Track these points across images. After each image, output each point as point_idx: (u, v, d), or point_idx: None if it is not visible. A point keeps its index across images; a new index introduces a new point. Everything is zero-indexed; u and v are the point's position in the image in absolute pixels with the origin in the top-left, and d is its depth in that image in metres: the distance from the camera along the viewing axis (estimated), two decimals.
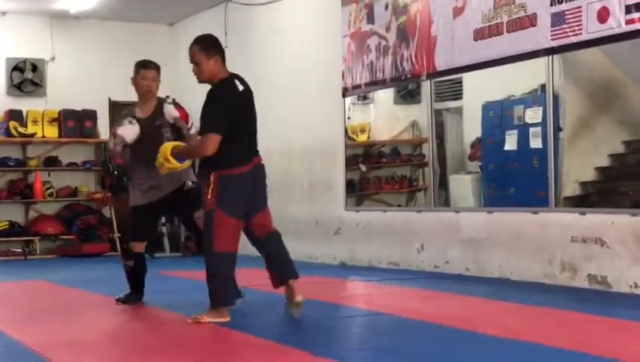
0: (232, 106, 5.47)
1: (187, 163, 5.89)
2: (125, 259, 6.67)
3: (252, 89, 5.74)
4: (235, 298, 5.94)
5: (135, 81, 6.52)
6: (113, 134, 6.50)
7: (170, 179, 6.34)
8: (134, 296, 6.66)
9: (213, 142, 5.36)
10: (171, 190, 6.43)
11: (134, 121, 6.36)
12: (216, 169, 5.46)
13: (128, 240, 6.69)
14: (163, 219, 11.91)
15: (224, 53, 5.62)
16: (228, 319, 5.50)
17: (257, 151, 5.67)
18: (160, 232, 12.06)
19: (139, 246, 6.62)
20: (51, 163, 13.05)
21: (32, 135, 12.86)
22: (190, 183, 6.46)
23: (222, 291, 5.51)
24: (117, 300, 6.66)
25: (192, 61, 5.56)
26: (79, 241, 12.56)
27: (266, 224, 5.70)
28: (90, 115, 13.21)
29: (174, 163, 5.73)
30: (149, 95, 6.51)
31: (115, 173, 12.51)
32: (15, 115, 12.85)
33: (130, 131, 6.35)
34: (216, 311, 5.51)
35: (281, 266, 5.67)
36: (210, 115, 5.42)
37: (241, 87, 5.55)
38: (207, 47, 5.51)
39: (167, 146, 5.77)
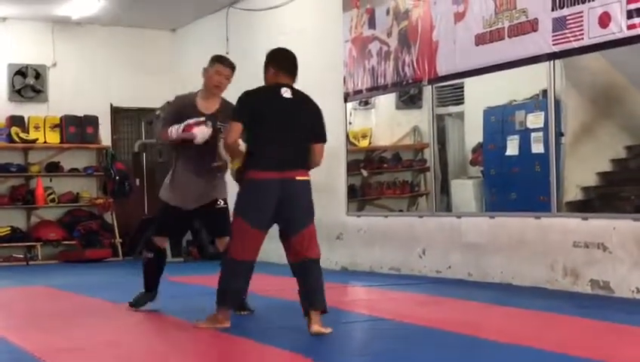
0: (261, 104, 5.35)
1: (236, 163, 5.54)
2: (146, 250, 6.52)
3: None
4: (237, 308, 5.90)
5: (207, 73, 6.24)
6: (184, 127, 6.03)
7: (203, 192, 6.20)
8: (146, 295, 6.51)
9: (234, 128, 5.31)
10: (202, 203, 6.25)
11: (210, 124, 6.04)
12: (244, 171, 5.36)
13: (152, 234, 6.52)
14: None
15: (284, 65, 5.51)
16: (227, 325, 5.45)
17: (296, 165, 5.33)
18: None
19: (161, 241, 6.44)
20: (53, 169, 13.06)
21: (34, 141, 12.88)
22: (221, 203, 6.28)
23: (224, 291, 5.41)
24: (129, 304, 6.55)
25: None
26: (81, 247, 12.57)
27: (300, 250, 5.31)
28: (92, 121, 13.23)
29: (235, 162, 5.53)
30: (217, 91, 6.25)
31: (117, 178, 12.68)
32: (17, 120, 12.87)
33: (204, 133, 6.01)
34: (217, 316, 5.47)
35: (306, 294, 5.31)
36: (236, 106, 5.43)
37: (287, 95, 5.37)
38: (267, 57, 5.59)
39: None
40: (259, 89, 5.49)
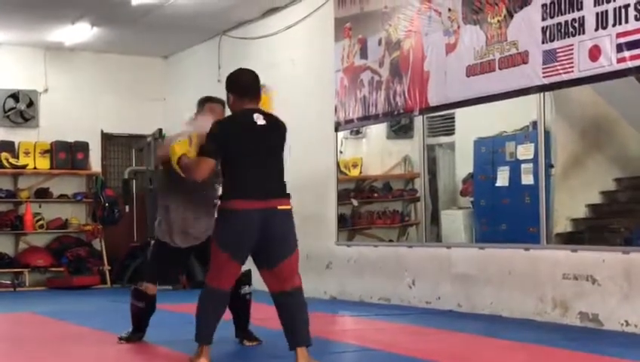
0: (236, 135, 5.19)
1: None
2: (136, 299, 6.18)
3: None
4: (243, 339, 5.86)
5: (198, 114, 6.18)
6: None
7: (202, 229, 5.95)
8: (137, 334, 6.27)
9: (205, 165, 5.18)
10: (201, 240, 5.99)
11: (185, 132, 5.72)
12: (221, 201, 5.27)
13: (144, 280, 6.19)
14: None
15: (245, 90, 5.34)
16: (205, 361, 5.17)
17: (277, 195, 5.18)
18: None
19: (153, 289, 6.15)
20: (42, 194, 13.02)
21: (24, 166, 12.85)
22: None
23: (201, 327, 5.20)
24: (120, 339, 6.26)
25: None
26: (69, 273, 12.49)
27: (281, 280, 5.13)
28: (82, 147, 13.21)
29: (177, 169, 5.47)
30: None
31: (107, 205, 12.64)
32: (7, 146, 12.85)
33: (207, 123, 5.58)
34: (201, 350, 5.20)
35: (291, 329, 5.12)
36: (208, 141, 5.24)
37: (260, 122, 5.22)
38: (225, 85, 5.43)
39: (178, 152, 5.45)
40: (231, 119, 5.35)
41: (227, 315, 5.57)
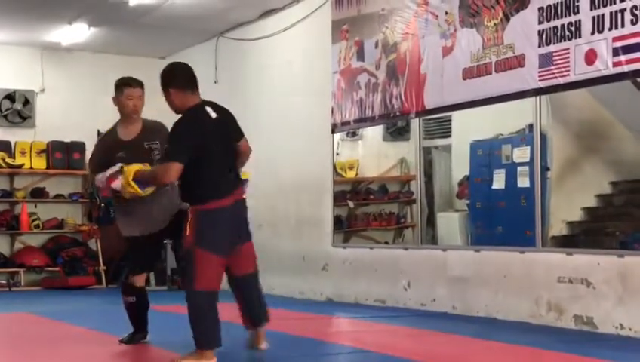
0: (200, 134, 5.14)
1: (150, 190, 5.50)
2: (126, 295, 6.13)
3: (241, 123, 5.56)
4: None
5: (119, 101, 6.05)
6: (106, 181, 5.71)
7: (164, 209, 5.85)
8: (138, 334, 6.19)
9: (173, 169, 5.06)
10: (168, 220, 5.90)
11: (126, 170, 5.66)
12: (192, 204, 5.18)
13: (128, 274, 6.15)
14: None
15: (187, 82, 5.29)
16: (214, 361, 5.19)
17: (237, 185, 5.33)
18: None
19: (140, 280, 6.11)
20: (38, 194, 13.01)
21: (20, 166, 12.83)
22: (187, 206, 5.81)
23: (208, 332, 5.14)
24: (120, 341, 6.18)
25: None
26: (64, 274, 12.48)
27: (244, 263, 5.39)
28: (79, 147, 13.19)
29: (136, 188, 5.40)
30: (135, 115, 6.03)
31: (102, 205, 12.61)
32: (3, 145, 12.84)
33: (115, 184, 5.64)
34: (202, 353, 5.18)
35: (253, 309, 5.43)
36: (174, 143, 5.15)
37: (214, 115, 5.23)
38: (162, 80, 5.35)
39: (131, 169, 5.44)
40: (191, 117, 5.20)
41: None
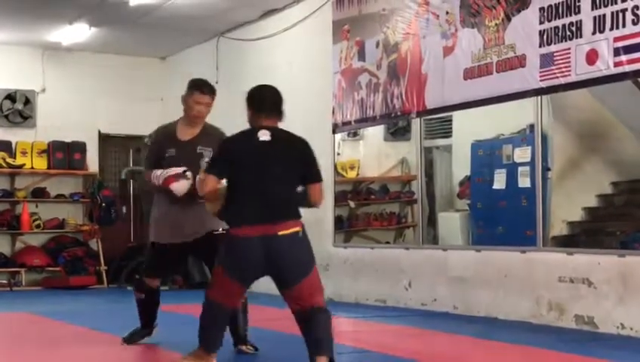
0: (236, 152, 4.95)
1: (215, 206, 5.12)
2: (136, 289, 6.19)
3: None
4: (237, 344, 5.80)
5: (186, 102, 5.94)
6: (164, 180, 5.71)
7: (193, 224, 5.78)
8: (142, 331, 6.17)
9: (207, 181, 4.95)
10: (195, 237, 5.82)
11: (190, 176, 5.67)
12: (227, 224, 5.04)
13: (142, 274, 6.16)
14: None
15: (260, 105, 5.07)
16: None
17: (281, 218, 4.77)
18: None
19: (152, 282, 6.08)
20: (39, 194, 13.01)
21: (21, 166, 12.84)
22: (220, 229, 5.69)
23: (208, 334, 5.02)
24: (123, 340, 6.16)
25: None
26: (65, 273, 12.49)
27: (301, 301, 4.83)
28: (80, 147, 13.20)
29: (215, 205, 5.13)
30: (198, 121, 5.94)
31: (103, 205, 12.63)
32: (4, 145, 12.84)
33: (183, 187, 5.67)
34: (201, 352, 5.07)
35: (313, 339, 4.80)
36: (213, 160, 5.16)
37: (264, 138, 4.91)
38: (246, 101, 5.16)
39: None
40: (235, 136, 5.09)
41: None
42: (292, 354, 5.64)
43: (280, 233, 4.72)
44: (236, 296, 5.06)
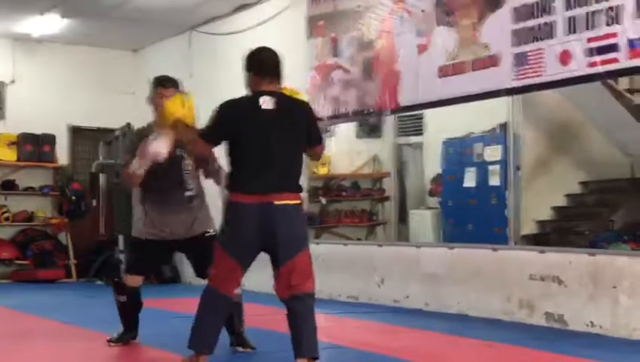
0: (236, 120, 4.78)
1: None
2: (117, 293, 5.93)
3: None
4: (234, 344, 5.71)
5: (153, 101, 5.78)
6: (137, 155, 5.50)
7: (181, 224, 5.70)
8: (127, 334, 5.98)
9: (199, 144, 4.94)
10: (181, 237, 5.74)
11: (162, 136, 5.40)
12: (228, 191, 4.86)
13: (124, 271, 6.04)
14: (121, 246, 11.79)
15: (261, 69, 4.91)
16: None
17: (283, 189, 4.71)
18: (117, 259, 11.92)
19: (133, 280, 5.87)
20: (8, 187, 12.87)
21: None
22: (211, 231, 5.70)
23: (197, 330, 4.80)
24: (109, 341, 5.95)
25: None
26: (34, 267, 12.38)
27: (289, 284, 4.73)
28: (50, 140, 13.07)
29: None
30: None
31: (73, 198, 12.53)
32: None
33: (162, 147, 5.35)
34: (193, 358, 4.83)
35: (297, 339, 4.76)
36: (208, 124, 4.92)
37: (266, 106, 4.77)
38: (245, 65, 5.00)
39: (173, 111, 5.10)
40: (236, 102, 4.91)
41: None
42: (272, 350, 5.66)
43: (277, 202, 4.65)
44: (233, 279, 4.87)
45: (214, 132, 4.86)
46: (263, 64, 4.91)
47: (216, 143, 4.92)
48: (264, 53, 5.00)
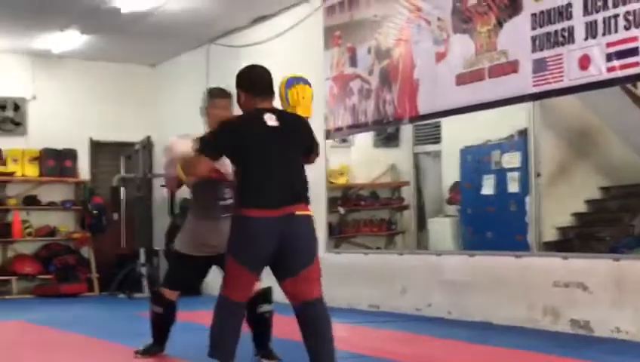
0: (244, 137, 4.82)
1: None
2: (154, 303, 5.90)
3: None
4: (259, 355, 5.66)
5: (209, 112, 5.78)
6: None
7: (219, 237, 5.45)
8: (155, 347, 5.95)
9: (202, 162, 4.95)
10: (220, 252, 5.53)
11: (190, 135, 5.54)
12: (235, 207, 4.95)
13: (162, 284, 5.99)
14: (142, 259, 11.83)
15: (253, 87, 4.97)
16: None
17: (296, 201, 4.80)
18: (139, 273, 11.97)
19: (171, 294, 5.84)
20: (30, 202, 12.97)
21: (12, 174, 12.80)
22: None
23: (215, 340, 4.84)
24: (135, 353, 5.95)
25: None
26: (57, 281, 12.45)
27: (301, 291, 4.79)
28: (71, 155, 13.19)
29: (181, 174, 5.32)
30: None
31: (95, 212, 12.60)
32: None
33: (182, 145, 5.48)
34: None
35: (315, 350, 4.76)
36: (210, 137, 5.01)
37: (272, 123, 4.83)
38: (236, 80, 5.08)
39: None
40: (238, 120, 5.00)
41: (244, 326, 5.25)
42: (291, 359, 5.65)
43: (298, 213, 4.77)
44: (245, 288, 4.91)
45: (218, 147, 4.91)
46: (255, 82, 5.00)
47: (217, 158, 4.98)
48: (255, 71, 5.09)
